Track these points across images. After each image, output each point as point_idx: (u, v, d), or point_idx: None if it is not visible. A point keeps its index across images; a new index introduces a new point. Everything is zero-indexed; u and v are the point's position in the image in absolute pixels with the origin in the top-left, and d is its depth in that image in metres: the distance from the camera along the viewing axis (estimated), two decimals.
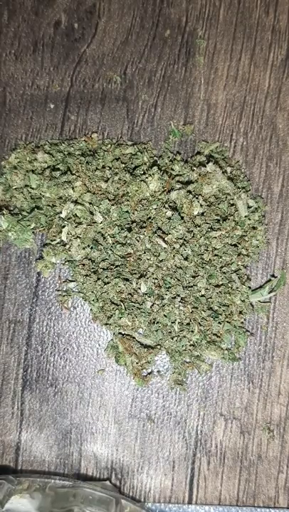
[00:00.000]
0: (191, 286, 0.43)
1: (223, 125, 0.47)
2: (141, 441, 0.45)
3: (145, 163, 0.45)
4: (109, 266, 0.44)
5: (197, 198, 0.43)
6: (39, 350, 0.46)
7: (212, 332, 0.43)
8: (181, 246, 0.43)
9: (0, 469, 0.45)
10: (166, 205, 0.44)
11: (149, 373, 0.45)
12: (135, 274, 0.43)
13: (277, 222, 0.46)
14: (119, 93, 0.47)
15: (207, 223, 0.43)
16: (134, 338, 0.44)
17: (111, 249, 0.44)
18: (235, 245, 0.44)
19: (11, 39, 0.47)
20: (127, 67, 0.47)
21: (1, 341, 0.46)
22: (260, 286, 0.46)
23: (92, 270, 0.44)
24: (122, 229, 0.44)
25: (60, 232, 0.44)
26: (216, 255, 0.43)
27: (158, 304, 0.43)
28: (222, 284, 0.43)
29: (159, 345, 0.44)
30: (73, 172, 0.45)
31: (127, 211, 0.44)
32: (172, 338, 0.43)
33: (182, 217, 0.43)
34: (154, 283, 0.43)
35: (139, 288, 0.43)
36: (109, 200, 0.44)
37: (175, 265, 0.43)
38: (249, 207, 0.45)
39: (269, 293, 0.45)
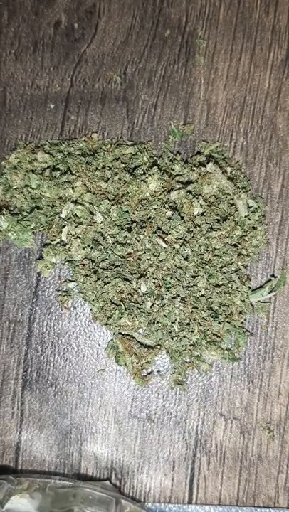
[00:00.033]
0: (191, 286, 0.43)
1: (223, 125, 0.47)
2: (141, 441, 0.45)
3: (145, 163, 0.45)
4: (109, 266, 0.44)
5: (197, 198, 0.43)
6: (39, 350, 0.46)
7: (212, 332, 0.43)
8: (181, 246, 0.43)
9: (0, 469, 0.45)
10: (166, 205, 0.44)
11: (149, 373, 0.45)
12: (135, 274, 0.43)
13: (277, 222, 0.46)
14: (119, 93, 0.47)
15: (207, 223, 0.43)
16: (134, 338, 0.44)
17: (111, 249, 0.44)
18: (235, 245, 0.44)
19: (11, 39, 0.47)
20: (127, 67, 0.47)
21: (1, 341, 0.46)
22: (260, 286, 0.46)
23: (92, 270, 0.44)
24: (122, 229, 0.44)
25: (60, 232, 0.44)
26: (216, 255, 0.43)
27: (158, 304, 0.43)
28: (222, 284, 0.43)
29: (159, 345, 0.44)
30: (73, 172, 0.45)
31: (127, 211, 0.44)
32: (172, 338, 0.43)
33: (182, 217, 0.43)
34: (154, 283, 0.43)
35: (139, 288, 0.43)
36: (109, 200, 0.44)
37: (175, 265, 0.43)
38: (249, 207, 0.45)
39: (269, 293, 0.45)
